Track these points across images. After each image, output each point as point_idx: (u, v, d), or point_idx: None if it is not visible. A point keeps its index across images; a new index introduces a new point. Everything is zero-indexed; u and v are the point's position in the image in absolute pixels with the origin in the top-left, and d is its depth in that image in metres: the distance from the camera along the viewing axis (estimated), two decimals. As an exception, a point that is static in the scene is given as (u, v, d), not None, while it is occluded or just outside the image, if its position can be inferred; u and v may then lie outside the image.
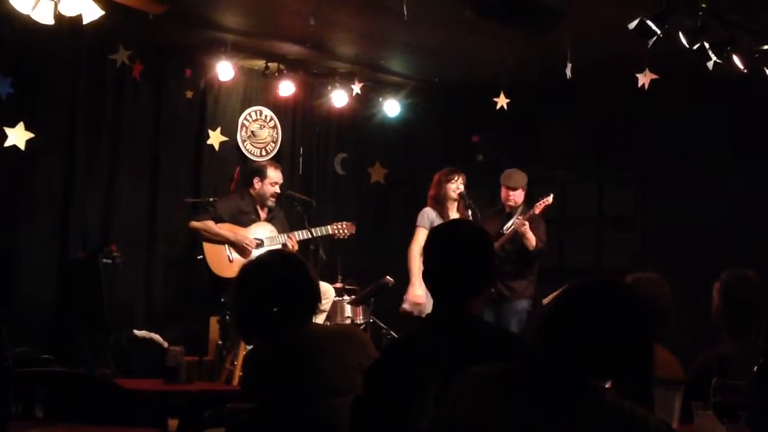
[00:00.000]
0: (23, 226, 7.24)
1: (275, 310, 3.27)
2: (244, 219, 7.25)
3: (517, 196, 7.38)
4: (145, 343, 7.30)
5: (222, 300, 7.08)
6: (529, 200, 7.38)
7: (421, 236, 7.02)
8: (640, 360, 2.15)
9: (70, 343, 7.10)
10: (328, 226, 7.41)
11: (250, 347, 3.49)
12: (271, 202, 7.35)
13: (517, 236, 7.20)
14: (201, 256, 7.14)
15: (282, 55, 8.37)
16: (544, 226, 7.41)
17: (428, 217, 7.10)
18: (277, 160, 8.39)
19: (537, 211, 7.19)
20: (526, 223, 7.13)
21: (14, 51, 7.13)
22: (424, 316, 3.37)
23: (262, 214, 7.36)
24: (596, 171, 9.02)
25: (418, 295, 6.93)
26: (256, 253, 7.02)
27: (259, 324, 3.35)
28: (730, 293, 3.95)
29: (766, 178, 7.79)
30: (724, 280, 4.01)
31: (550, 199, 7.23)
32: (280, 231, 7.33)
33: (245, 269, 3.46)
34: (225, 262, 7.08)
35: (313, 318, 3.44)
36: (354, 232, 7.57)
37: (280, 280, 3.33)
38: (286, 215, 7.63)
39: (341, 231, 7.45)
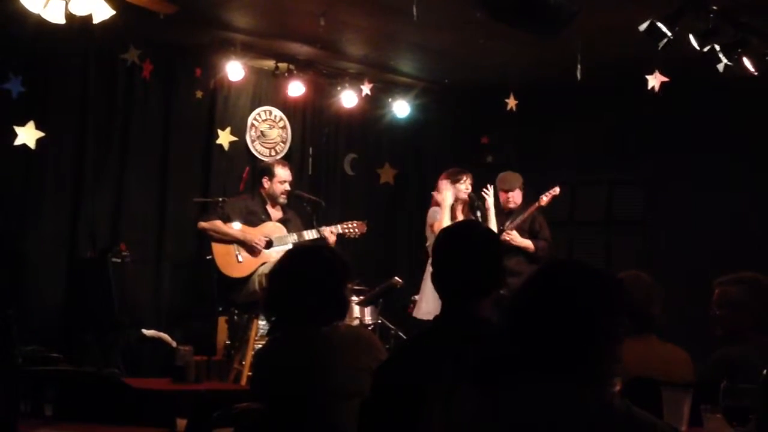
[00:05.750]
0: (33, 224, 7.25)
1: (299, 299, 3.33)
2: (254, 219, 7.22)
3: (516, 197, 7.44)
4: (153, 343, 7.31)
5: (231, 299, 7.10)
6: (534, 196, 7.38)
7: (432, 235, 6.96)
8: (592, 347, 2.09)
9: (79, 342, 7.12)
10: (338, 225, 7.29)
11: (260, 347, 3.51)
12: (282, 200, 7.31)
13: (521, 232, 7.22)
14: (210, 257, 7.14)
15: (292, 55, 8.38)
16: (546, 226, 7.37)
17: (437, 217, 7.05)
18: (286, 160, 8.35)
19: (543, 202, 7.23)
20: (512, 234, 7.22)
21: (25, 50, 7.14)
22: (429, 317, 3.36)
23: (274, 214, 7.32)
24: (606, 173, 9.00)
25: None
26: (265, 252, 7.01)
27: (282, 309, 3.39)
28: (761, 294, 3.92)
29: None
30: (750, 281, 3.97)
31: (557, 190, 7.27)
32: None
33: (293, 251, 3.66)
34: (233, 262, 7.06)
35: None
36: (365, 231, 7.42)
37: (318, 275, 3.36)
38: (301, 219, 7.54)
39: (352, 230, 7.33)
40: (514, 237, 7.25)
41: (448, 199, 6.74)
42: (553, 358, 2.04)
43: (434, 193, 7.02)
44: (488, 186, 7.06)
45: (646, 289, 3.77)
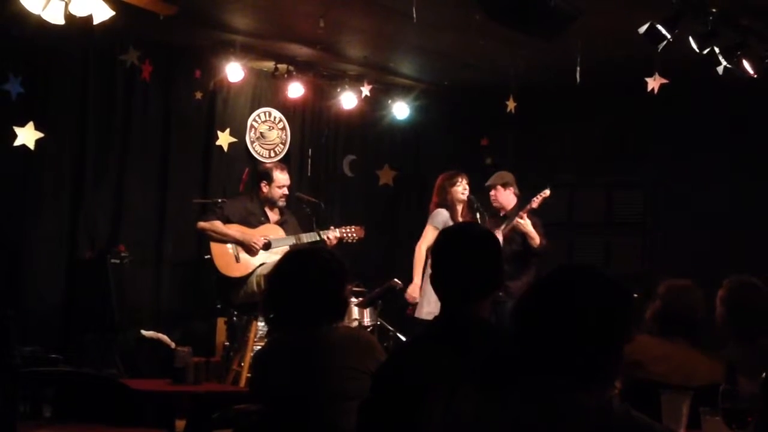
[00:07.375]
0: (32, 225, 7.24)
1: (296, 301, 3.33)
2: (253, 221, 7.23)
3: (499, 196, 7.34)
4: (152, 344, 7.31)
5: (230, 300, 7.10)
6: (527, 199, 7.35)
7: (430, 235, 6.94)
8: (601, 351, 2.09)
9: (78, 343, 7.12)
10: (337, 230, 7.33)
11: (259, 348, 3.51)
12: (281, 203, 7.34)
13: (515, 236, 7.14)
14: (208, 256, 7.15)
15: (291, 56, 8.38)
16: (540, 226, 7.31)
17: (442, 218, 7.01)
18: (285, 161, 8.39)
19: (534, 204, 7.15)
20: (525, 217, 7.07)
21: (25, 51, 7.13)
22: (431, 318, 3.37)
23: (272, 216, 7.34)
24: (605, 175, 9.00)
25: (414, 295, 6.94)
26: (263, 253, 7.02)
27: (281, 310, 3.40)
28: (734, 299, 3.94)
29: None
30: (728, 287, 4.00)
31: (547, 192, 7.19)
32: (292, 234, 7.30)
33: (291, 253, 3.69)
34: (232, 262, 7.07)
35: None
36: (363, 236, 7.47)
37: (317, 276, 3.37)
38: (298, 219, 7.56)
39: (350, 235, 7.37)
40: (525, 224, 7.09)
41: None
42: (554, 361, 2.04)
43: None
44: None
45: (695, 295, 3.78)
